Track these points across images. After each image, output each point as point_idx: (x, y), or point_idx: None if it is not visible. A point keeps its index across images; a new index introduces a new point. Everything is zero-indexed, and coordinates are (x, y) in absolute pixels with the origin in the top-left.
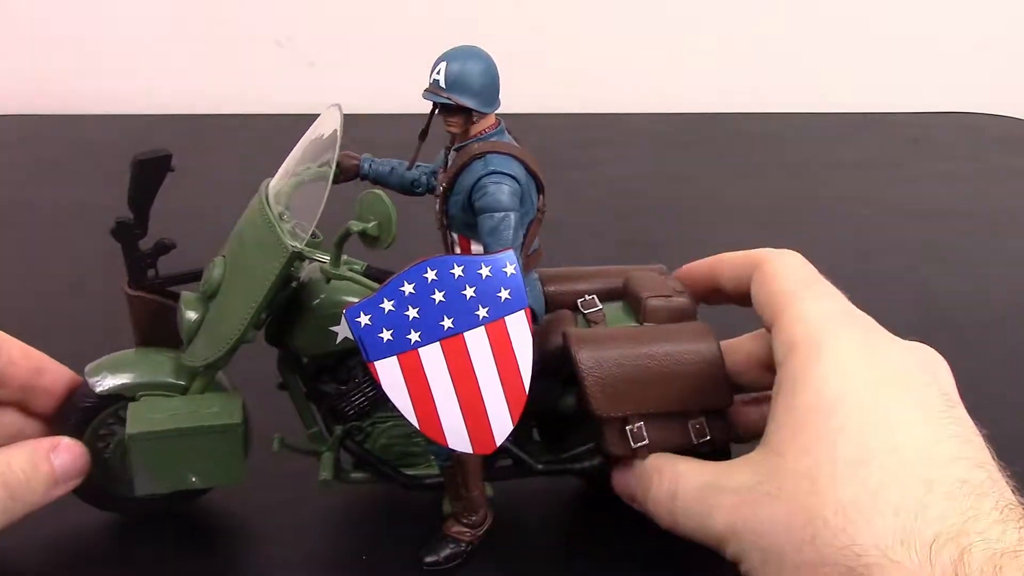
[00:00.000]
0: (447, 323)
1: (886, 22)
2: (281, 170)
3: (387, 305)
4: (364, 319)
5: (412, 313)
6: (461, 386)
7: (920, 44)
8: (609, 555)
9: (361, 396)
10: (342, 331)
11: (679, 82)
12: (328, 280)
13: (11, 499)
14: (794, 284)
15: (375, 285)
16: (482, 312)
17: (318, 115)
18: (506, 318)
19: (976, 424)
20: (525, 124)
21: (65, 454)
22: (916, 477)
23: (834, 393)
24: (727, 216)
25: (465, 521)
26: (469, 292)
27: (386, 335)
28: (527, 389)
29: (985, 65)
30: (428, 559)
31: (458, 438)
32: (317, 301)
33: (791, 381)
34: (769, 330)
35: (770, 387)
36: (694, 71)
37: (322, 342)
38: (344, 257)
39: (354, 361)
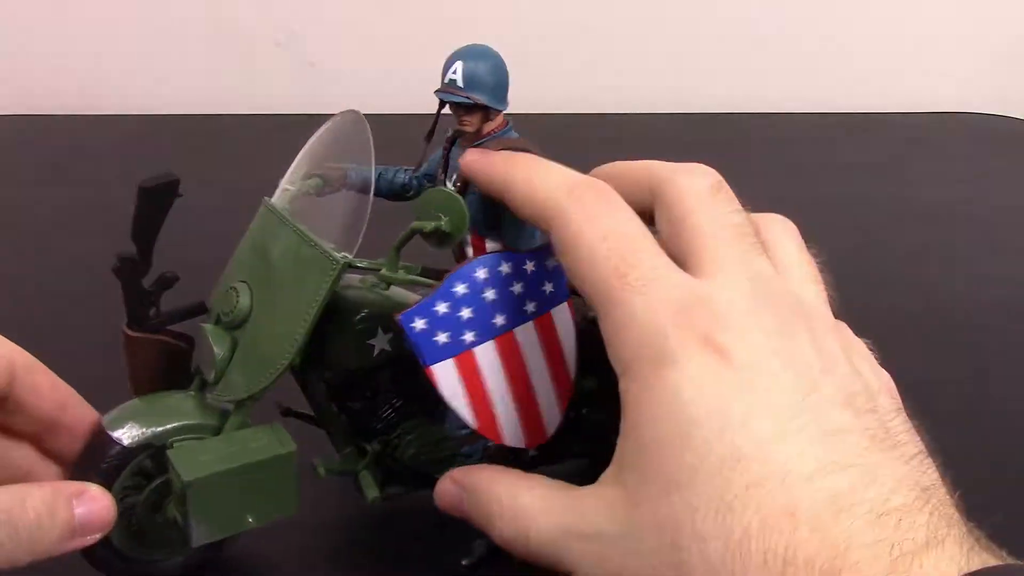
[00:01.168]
0: (499, 320)
1: (886, 22)
2: (285, 182)
3: (441, 308)
4: (419, 324)
5: (466, 313)
6: (514, 382)
7: (920, 44)
8: None
9: (389, 409)
10: (379, 343)
11: (679, 82)
12: (388, 286)
13: (12, 540)
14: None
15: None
16: (530, 307)
17: (318, 115)
18: (551, 311)
19: (950, 400)
20: (525, 124)
21: (91, 504)
22: (780, 511)
23: (682, 427)
24: None
25: None
26: (517, 288)
27: (442, 338)
28: (573, 379)
29: (985, 65)
30: (466, 561)
31: (513, 434)
32: (352, 315)
33: (634, 409)
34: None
35: None
36: (694, 71)
37: (359, 357)
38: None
39: (382, 374)
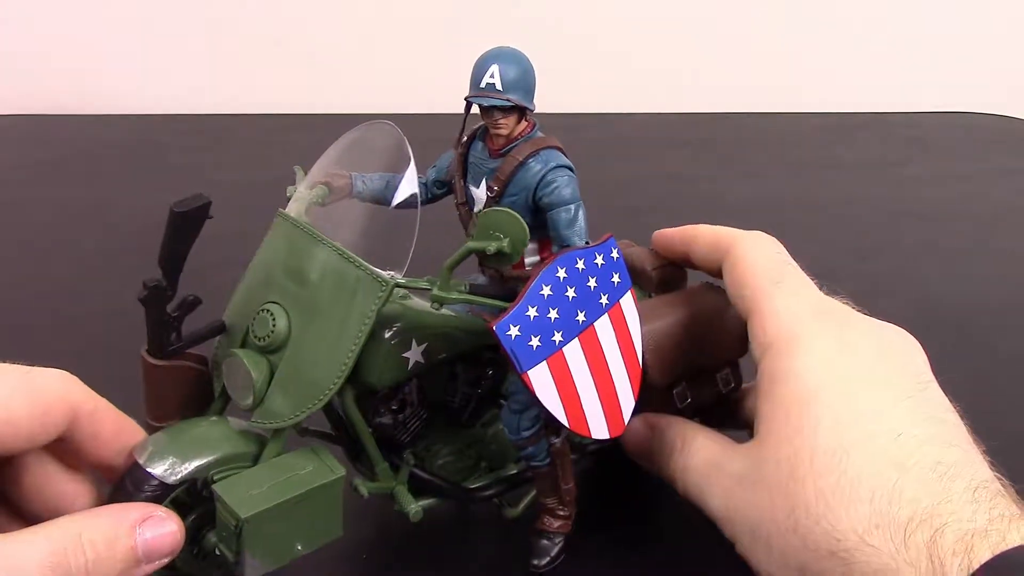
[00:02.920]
0: (580, 317)
1: (886, 22)
2: (303, 190)
3: (532, 312)
4: (514, 331)
5: (553, 314)
6: (597, 375)
7: (920, 44)
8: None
9: (417, 421)
10: (413, 355)
11: (679, 82)
12: (440, 306)
13: None
14: (764, 280)
15: (496, 302)
16: (604, 299)
17: (318, 115)
18: (620, 301)
19: (952, 401)
20: None
21: (156, 528)
22: (890, 463)
23: (811, 388)
24: (727, 216)
25: (562, 514)
26: (592, 283)
27: (535, 342)
28: (642, 363)
29: (985, 65)
30: (540, 562)
31: (599, 426)
32: (384, 329)
33: (770, 377)
34: (745, 318)
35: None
36: (694, 71)
37: (396, 371)
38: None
39: (410, 387)
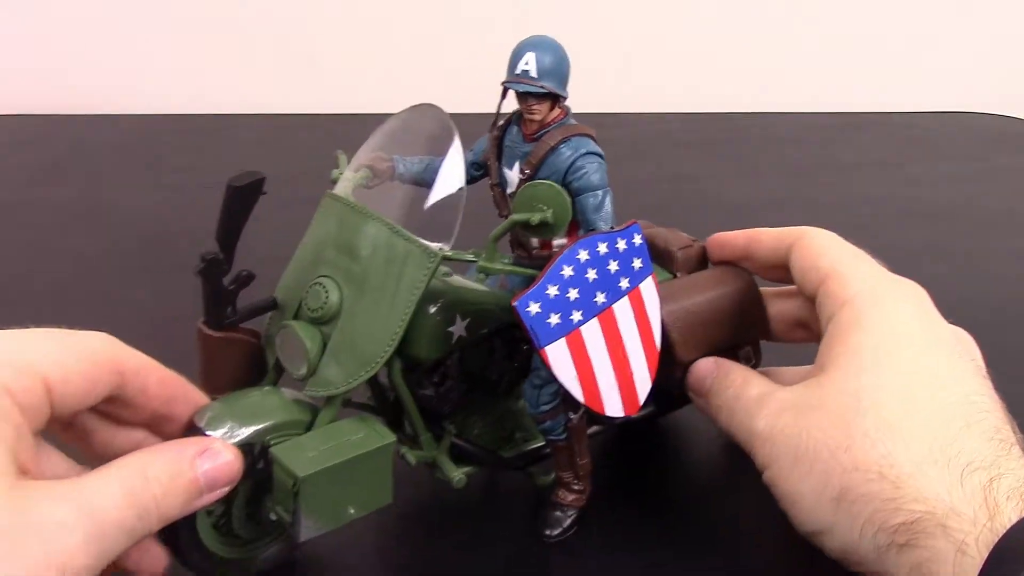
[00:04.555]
0: (600, 298)
1: (886, 22)
2: (348, 173)
3: (552, 291)
4: (534, 307)
5: (573, 294)
6: (614, 355)
7: (920, 44)
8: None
9: (457, 392)
10: (457, 330)
11: (679, 82)
12: (486, 277)
13: (143, 520)
14: (843, 252)
15: (537, 272)
16: (624, 283)
17: (318, 115)
18: (640, 285)
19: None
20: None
21: (215, 459)
22: (956, 415)
23: (888, 334)
24: (727, 216)
25: (577, 488)
26: (613, 266)
27: (554, 319)
28: (659, 347)
29: (985, 65)
30: (552, 532)
31: (614, 405)
32: (430, 304)
33: (845, 325)
34: (811, 295)
35: (794, 342)
36: (694, 71)
37: (442, 345)
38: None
39: (452, 359)
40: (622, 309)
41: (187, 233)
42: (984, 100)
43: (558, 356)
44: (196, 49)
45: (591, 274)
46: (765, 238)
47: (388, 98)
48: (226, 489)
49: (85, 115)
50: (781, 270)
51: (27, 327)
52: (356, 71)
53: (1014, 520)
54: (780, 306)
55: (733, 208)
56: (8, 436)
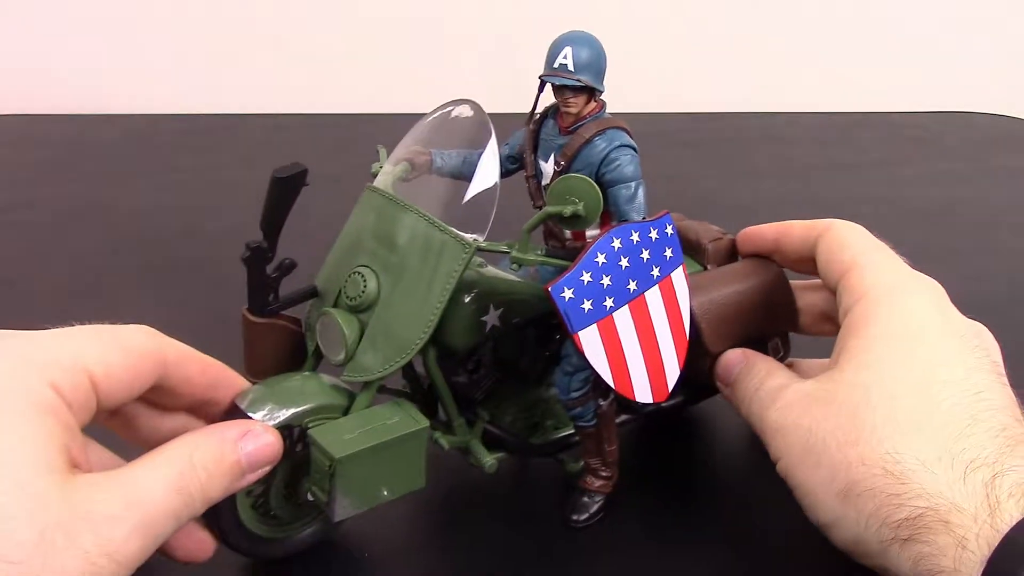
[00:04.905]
0: (632, 286)
1: (886, 22)
2: (388, 167)
3: (586, 277)
4: (567, 293)
5: (606, 281)
6: (645, 342)
7: (920, 44)
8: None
9: (490, 380)
10: (491, 319)
11: (680, 82)
12: (519, 267)
13: (188, 506)
14: (865, 245)
15: (569, 263)
16: (655, 271)
17: (318, 115)
18: (672, 274)
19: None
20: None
21: (256, 440)
22: (965, 412)
23: (901, 328)
24: (727, 216)
25: (604, 474)
26: (645, 255)
27: (587, 305)
28: (688, 335)
29: (985, 65)
30: (579, 517)
31: (643, 391)
32: (464, 294)
33: (862, 318)
34: (833, 288)
35: (822, 335)
36: (694, 71)
37: (476, 333)
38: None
39: (485, 348)
40: (653, 297)
41: (187, 233)
42: (984, 100)
43: (590, 341)
44: (196, 49)
45: (624, 262)
46: (795, 231)
47: (388, 98)
48: (267, 469)
49: (85, 115)
50: (810, 263)
51: (26, 327)
52: (356, 71)
53: (1015, 516)
54: (809, 298)
55: (733, 208)
56: (59, 433)
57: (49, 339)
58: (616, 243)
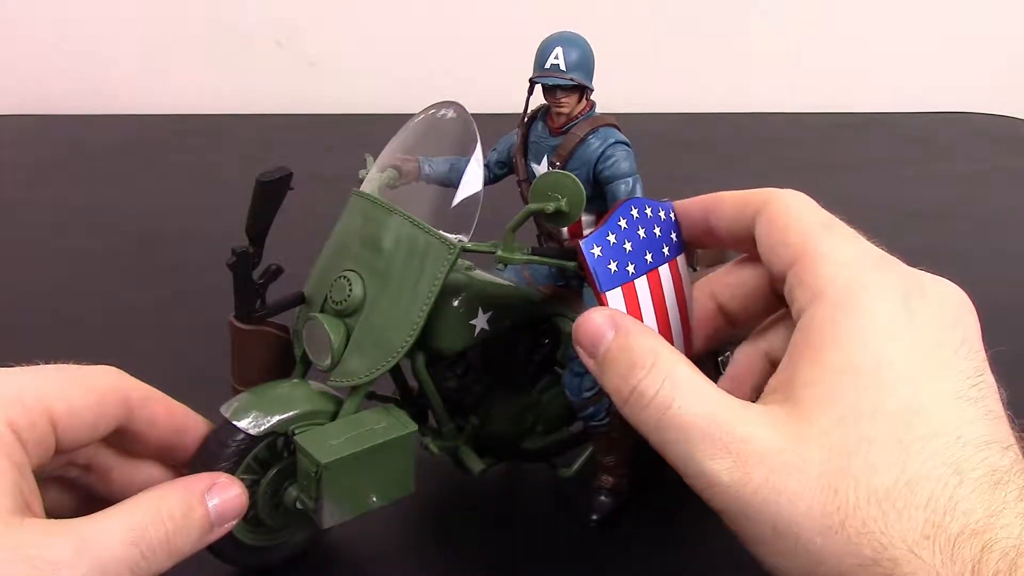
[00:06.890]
0: (648, 257)
1: (887, 23)
2: (374, 172)
3: (611, 238)
4: (596, 250)
5: (628, 246)
6: (660, 316)
7: (920, 44)
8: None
9: (480, 385)
10: (479, 323)
11: (680, 82)
12: (505, 267)
13: (147, 559)
14: (813, 225)
15: (557, 262)
16: (665, 250)
17: (318, 115)
18: (677, 258)
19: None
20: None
21: (223, 493)
22: (949, 467)
23: (872, 360)
24: None
25: (618, 471)
26: (657, 231)
27: (612, 266)
28: (692, 325)
29: (985, 65)
30: (597, 516)
31: None
32: (452, 297)
33: (819, 332)
34: (780, 277)
35: (764, 315)
36: (695, 71)
37: (464, 337)
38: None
39: (474, 352)
40: (664, 273)
41: (187, 233)
42: (984, 100)
43: (616, 304)
44: (196, 49)
45: (641, 232)
46: (725, 205)
47: (388, 98)
48: (234, 523)
49: (85, 115)
50: (748, 243)
51: (26, 327)
52: (356, 71)
53: None
54: (746, 277)
55: None
56: (9, 473)
57: (10, 377)
58: (634, 211)
